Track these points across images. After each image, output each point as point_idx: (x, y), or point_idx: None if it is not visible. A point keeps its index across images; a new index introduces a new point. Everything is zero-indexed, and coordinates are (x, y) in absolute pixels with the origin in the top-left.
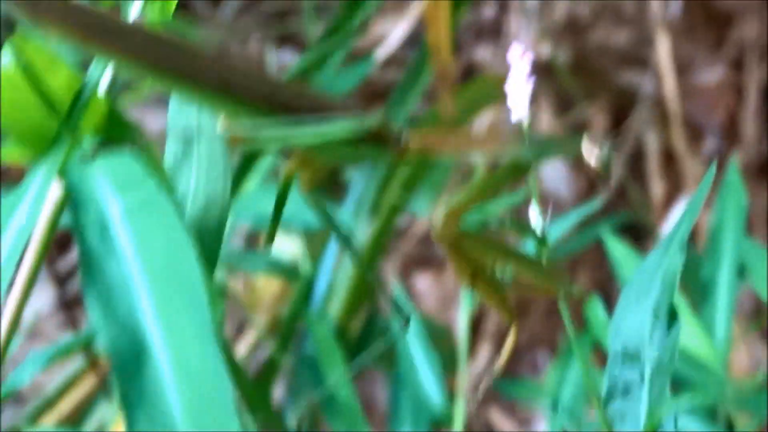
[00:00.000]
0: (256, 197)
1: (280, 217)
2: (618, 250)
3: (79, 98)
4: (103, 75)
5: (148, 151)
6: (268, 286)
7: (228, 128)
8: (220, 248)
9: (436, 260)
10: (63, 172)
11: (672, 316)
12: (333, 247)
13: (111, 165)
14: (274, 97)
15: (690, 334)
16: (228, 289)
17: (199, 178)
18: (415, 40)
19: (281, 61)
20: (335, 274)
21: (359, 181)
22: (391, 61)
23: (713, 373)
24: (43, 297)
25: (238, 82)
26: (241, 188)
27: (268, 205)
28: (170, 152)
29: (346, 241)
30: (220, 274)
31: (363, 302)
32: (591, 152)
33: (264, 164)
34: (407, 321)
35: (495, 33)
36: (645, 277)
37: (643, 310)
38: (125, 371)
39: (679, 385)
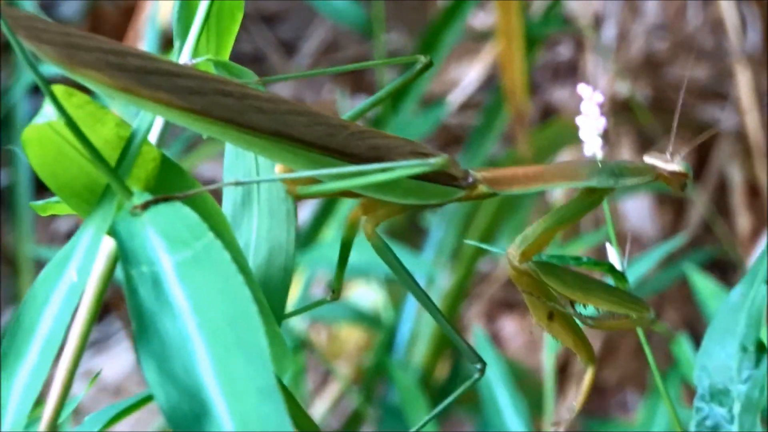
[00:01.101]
0: (333, 247)
1: (345, 264)
2: (704, 286)
3: (128, 149)
4: (153, 123)
5: (205, 201)
6: (350, 336)
7: (286, 174)
8: (287, 298)
9: (521, 303)
10: (113, 227)
11: (760, 350)
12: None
13: (162, 218)
14: (333, 140)
15: None
16: (310, 340)
17: (260, 227)
18: (490, 82)
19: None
20: (417, 321)
21: (439, 226)
22: (468, 105)
23: None
24: (126, 356)
25: (295, 125)
26: (320, 237)
27: (352, 256)
28: (229, 201)
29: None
30: (301, 324)
31: (447, 348)
32: (665, 163)
33: (342, 212)
34: (483, 367)
35: (572, 72)
36: (730, 312)
37: (729, 346)
38: None
39: None
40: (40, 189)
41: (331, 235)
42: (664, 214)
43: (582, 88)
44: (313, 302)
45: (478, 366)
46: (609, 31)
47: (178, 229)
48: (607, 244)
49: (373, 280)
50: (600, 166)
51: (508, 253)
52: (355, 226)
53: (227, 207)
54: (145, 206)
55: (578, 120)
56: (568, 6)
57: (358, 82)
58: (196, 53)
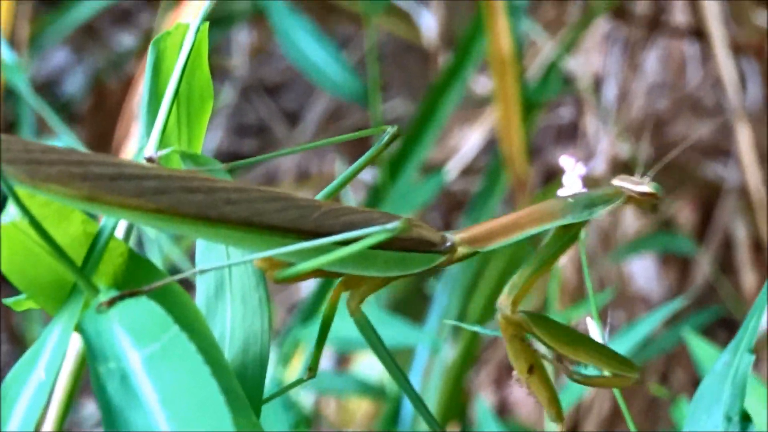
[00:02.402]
0: (337, 322)
1: (323, 342)
2: (702, 348)
3: (95, 246)
4: (118, 220)
5: (176, 293)
6: (359, 406)
7: (253, 255)
8: (263, 385)
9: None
10: (79, 325)
11: (744, 420)
12: (419, 365)
13: (129, 313)
14: (306, 221)
15: None
16: (320, 412)
17: (234, 316)
18: (492, 146)
19: (358, 177)
20: (423, 391)
21: (443, 292)
22: (470, 170)
23: None
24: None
25: (266, 212)
26: (321, 311)
27: (348, 328)
28: (202, 293)
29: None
30: (310, 398)
31: (453, 417)
32: (634, 185)
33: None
34: None
35: (573, 134)
36: (716, 380)
37: (715, 415)
38: None
39: None
40: None
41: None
42: (669, 274)
43: (564, 160)
44: (291, 383)
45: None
46: (609, 91)
47: (144, 324)
48: (588, 319)
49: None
50: (571, 201)
51: (499, 303)
52: (335, 304)
53: (200, 298)
54: (111, 303)
55: (560, 192)
56: (568, 67)
57: (362, 151)
58: (166, 144)
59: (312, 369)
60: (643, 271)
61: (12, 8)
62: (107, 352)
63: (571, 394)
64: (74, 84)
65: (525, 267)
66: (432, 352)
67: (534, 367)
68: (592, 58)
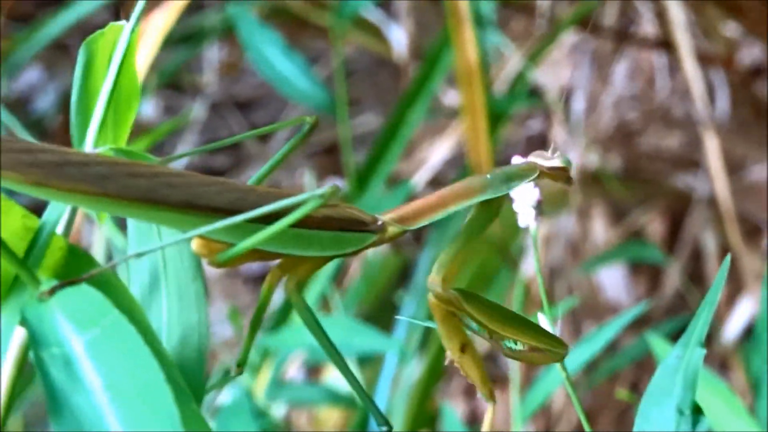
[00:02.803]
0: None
1: (256, 332)
2: (665, 351)
3: (37, 240)
4: (61, 212)
5: (114, 284)
6: (330, 417)
7: (201, 245)
8: (203, 376)
9: (501, 378)
10: (22, 314)
11: (696, 413)
12: (388, 373)
13: (69, 300)
14: (245, 203)
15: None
16: (291, 423)
17: (171, 310)
18: (459, 160)
19: None
20: (391, 399)
21: (411, 302)
22: (436, 182)
23: None
24: None
25: (205, 195)
26: (289, 319)
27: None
28: (136, 287)
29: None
30: (281, 409)
31: (423, 424)
32: (546, 160)
33: (313, 294)
34: (389, 430)
35: (542, 146)
36: (667, 375)
37: (667, 409)
38: None
39: None
40: None
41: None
42: (639, 284)
43: (515, 160)
44: (222, 378)
45: (384, 428)
46: (578, 103)
47: (84, 310)
48: (539, 315)
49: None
50: (489, 177)
51: (429, 281)
52: (272, 288)
53: (135, 293)
54: (52, 291)
55: (512, 192)
56: (537, 79)
57: (333, 165)
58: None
59: (240, 365)
60: (613, 281)
61: None
62: (50, 339)
63: (537, 395)
64: (46, 101)
65: (452, 244)
66: (400, 361)
67: (466, 347)
68: (560, 70)
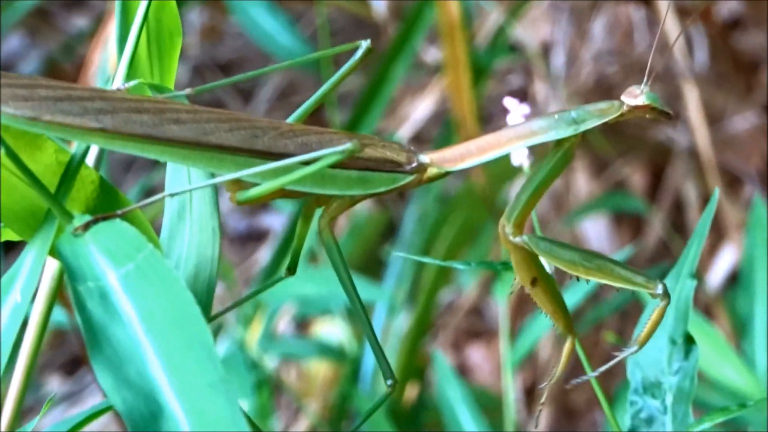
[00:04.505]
0: (299, 281)
1: (302, 247)
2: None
3: (67, 174)
4: (88, 148)
5: (138, 219)
6: (319, 371)
7: (213, 180)
8: (211, 307)
9: (487, 331)
10: (56, 248)
11: (688, 342)
12: (377, 324)
13: (103, 235)
14: (258, 141)
15: (730, 367)
16: (281, 378)
17: (191, 241)
18: (441, 116)
19: None
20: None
21: (398, 258)
22: (419, 139)
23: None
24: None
25: (215, 131)
26: (281, 272)
27: (312, 289)
28: (168, 216)
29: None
30: (272, 363)
31: (413, 377)
32: (632, 97)
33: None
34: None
35: (523, 100)
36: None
37: (659, 340)
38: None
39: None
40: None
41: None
42: (622, 234)
43: (508, 101)
44: (270, 280)
45: (390, 382)
46: (558, 58)
47: (119, 245)
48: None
49: (336, 315)
50: (556, 117)
51: (501, 227)
52: (309, 218)
53: (166, 221)
54: (86, 227)
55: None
56: (517, 35)
57: (315, 123)
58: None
59: (290, 269)
60: (596, 231)
61: None
62: (85, 273)
63: (522, 346)
64: (29, 67)
65: (522, 190)
66: (389, 312)
67: (537, 280)
68: (539, 26)
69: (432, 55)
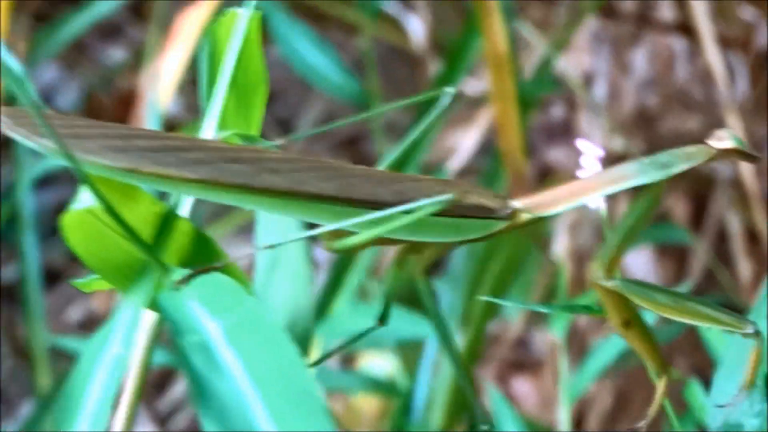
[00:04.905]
0: (347, 317)
1: (392, 299)
2: (711, 331)
3: (163, 226)
4: (184, 200)
5: (235, 271)
6: (366, 405)
7: (311, 231)
8: (308, 357)
9: (532, 363)
10: (155, 301)
11: None
12: (428, 359)
13: (203, 288)
14: (355, 190)
15: None
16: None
17: (285, 290)
18: (487, 147)
19: None
20: (432, 385)
21: (447, 290)
22: (466, 171)
23: None
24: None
25: (312, 181)
26: (331, 308)
27: (360, 324)
28: (260, 267)
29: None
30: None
31: (463, 410)
32: (717, 141)
33: (351, 284)
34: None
35: (565, 132)
36: (739, 349)
37: (739, 381)
38: None
39: None
40: (50, 280)
41: (343, 306)
42: (666, 265)
43: (581, 143)
44: (362, 332)
45: (485, 428)
46: (600, 89)
47: (219, 297)
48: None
49: (386, 349)
50: (647, 161)
51: (591, 271)
52: (402, 265)
53: (259, 271)
54: (186, 280)
55: (579, 174)
56: (558, 67)
57: (356, 155)
58: (224, 129)
59: (382, 319)
60: (640, 263)
61: (8, 26)
62: (188, 326)
63: (574, 390)
64: (67, 99)
65: (611, 236)
66: (440, 345)
67: (630, 322)
68: (581, 56)
69: (471, 86)
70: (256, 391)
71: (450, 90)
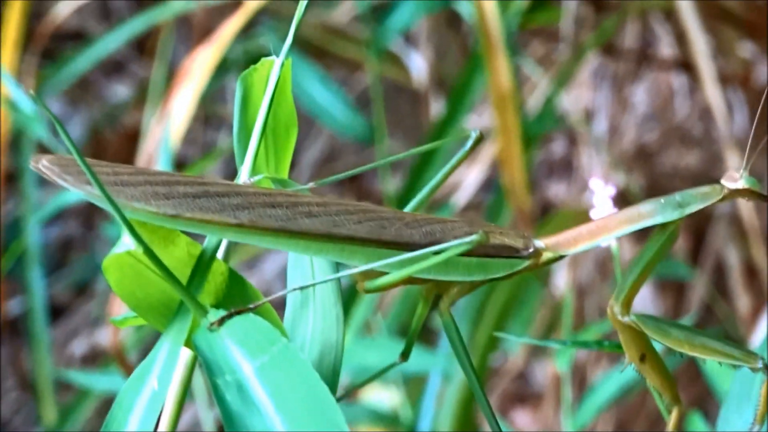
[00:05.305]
0: (353, 350)
1: (417, 333)
2: (712, 364)
3: (199, 267)
4: (219, 242)
5: (268, 311)
6: None
7: (347, 271)
8: (336, 394)
9: (532, 395)
10: (193, 343)
11: None
12: (432, 391)
13: (237, 328)
14: (385, 232)
15: None
16: None
17: (315, 328)
18: (490, 183)
19: None
20: (436, 417)
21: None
22: (470, 206)
23: None
24: None
25: (345, 223)
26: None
27: (365, 358)
28: (290, 305)
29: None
30: None
31: None
32: (731, 181)
33: (357, 318)
34: None
35: (566, 168)
36: (745, 381)
37: (746, 413)
38: None
39: None
40: (55, 314)
41: (348, 340)
42: (665, 299)
43: (594, 182)
44: (384, 368)
45: None
46: (600, 125)
47: (253, 338)
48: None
49: (390, 382)
50: (662, 201)
51: (609, 307)
52: (428, 302)
53: (288, 309)
54: (222, 321)
55: (592, 213)
56: (559, 102)
57: (359, 191)
58: (255, 172)
59: (404, 354)
60: (640, 297)
61: (17, 63)
62: (222, 366)
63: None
64: (71, 135)
65: (628, 273)
66: (444, 379)
67: (645, 356)
68: (582, 93)
69: (473, 122)
70: (287, 428)
71: (474, 132)
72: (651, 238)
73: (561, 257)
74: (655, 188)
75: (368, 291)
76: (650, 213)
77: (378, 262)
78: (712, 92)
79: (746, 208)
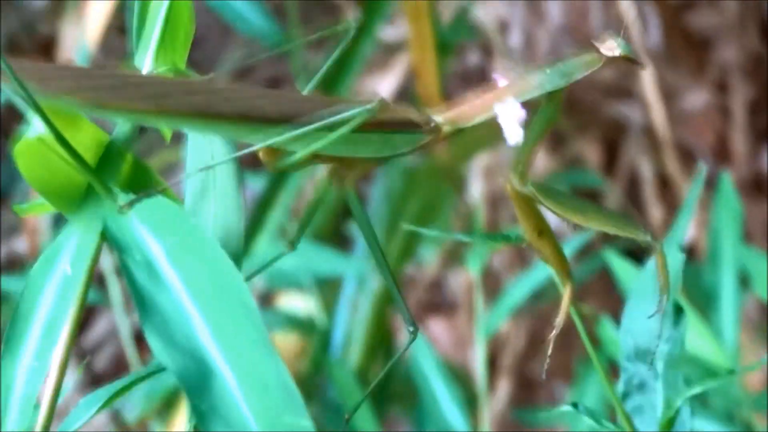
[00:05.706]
0: (268, 255)
1: (311, 219)
2: (622, 268)
3: (108, 154)
4: (129, 130)
5: (170, 195)
6: (285, 343)
7: (264, 150)
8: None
9: (446, 305)
10: (103, 224)
11: (678, 311)
12: (346, 296)
13: (146, 211)
14: (295, 111)
15: (699, 340)
16: None
17: (216, 212)
18: (404, 93)
19: None
20: (351, 323)
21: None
22: None
23: (725, 376)
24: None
25: (260, 105)
26: (252, 247)
27: (280, 263)
28: (189, 193)
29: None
30: None
31: (381, 347)
32: (609, 49)
33: (272, 223)
34: (415, 330)
35: (481, 78)
36: (649, 278)
37: (650, 309)
38: (196, 391)
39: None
40: None
41: (264, 244)
42: None
43: (497, 78)
44: (273, 257)
45: (411, 329)
46: (515, 36)
47: (162, 220)
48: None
49: (305, 287)
50: (548, 71)
51: (509, 181)
52: (331, 182)
53: (188, 198)
54: (131, 204)
55: (497, 108)
56: (473, 14)
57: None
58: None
59: (293, 243)
60: None
61: None
62: (132, 246)
63: (489, 327)
64: None
65: (523, 144)
66: (359, 284)
67: (543, 232)
68: (497, 4)
69: (389, 33)
70: (195, 304)
71: (354, 23)
72: (540, 109)
73: (460, 130)
74: (570, 100)
75: (278, 169)
76: (539, 82)
77: (280, 137)
78: (626, 4)
79: (660, 120)
